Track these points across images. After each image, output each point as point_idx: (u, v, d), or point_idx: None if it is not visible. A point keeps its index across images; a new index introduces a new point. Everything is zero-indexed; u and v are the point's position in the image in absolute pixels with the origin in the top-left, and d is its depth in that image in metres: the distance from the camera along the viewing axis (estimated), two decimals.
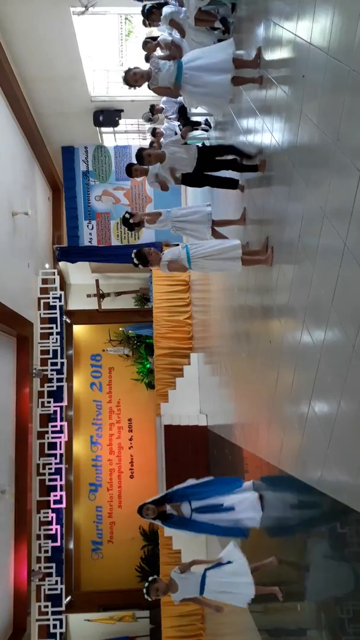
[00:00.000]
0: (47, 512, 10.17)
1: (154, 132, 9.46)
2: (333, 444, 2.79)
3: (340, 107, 2.41)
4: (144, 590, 4.60)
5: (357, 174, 2.21)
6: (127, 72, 4.95)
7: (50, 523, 10.16)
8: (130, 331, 13.60)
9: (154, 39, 6.48)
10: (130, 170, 5.50)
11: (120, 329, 13.76)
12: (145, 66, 5.14)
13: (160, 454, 10.02)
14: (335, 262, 2.56)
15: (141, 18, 6.70)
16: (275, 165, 3.91)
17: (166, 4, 6.17)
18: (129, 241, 12.06)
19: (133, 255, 4.79)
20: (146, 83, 4.97)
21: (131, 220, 5.31)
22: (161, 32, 6.74)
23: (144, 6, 6.51)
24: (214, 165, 5.16)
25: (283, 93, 3.56)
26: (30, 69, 9.08)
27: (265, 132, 4.16)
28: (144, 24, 6.82)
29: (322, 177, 2.76)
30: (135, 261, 4.78)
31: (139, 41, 8.79)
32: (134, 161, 5.51)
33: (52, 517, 10.18)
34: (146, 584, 4.62)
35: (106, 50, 11.83)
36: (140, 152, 5.22)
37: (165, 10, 5.94)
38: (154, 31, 7.48)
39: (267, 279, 4.19)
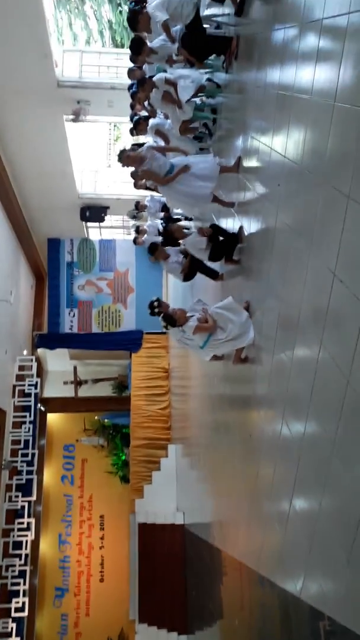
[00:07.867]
0: (7, 622, 9.25)
1: (137, 230, 9.94)
2: (315, 546, 2.67)
3: (313, 215, 2.59)
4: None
5: (331, 276, 2.32)
6: (123, 151, 5.12)
7: (9, 635, 9.21)
8: (106, 420, 13.30)
9: (140, 145, 6.99)
10: (154, 250, 5.84)
11: (96, 417, 13.45)
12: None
13: (133, 555, 9.41)
14: (313, 357, 2.61)
15: (129, 125, 7.25)
16: (253, 259, 4.09)
17: (153, 116, 6.73)
18: (109, 329, 12.18)
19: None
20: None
21: (156, 310, 5.02)
22: (147, 139, 7.29)
23: (132, 117, 7.10)
24: None
25: (260, 201, 3.81)
26: (21, 166, 9.61)
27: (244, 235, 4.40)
28: (132, 133, 7.38)
29: (296, 278, 2.88)
30: (163, 323, 4.57)
31: (126, 145, 9.47)
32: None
33: (12, 628, 9.25)
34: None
35: (95, 152, 12.67)
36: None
37: (152, 121, 6.47)
38: (140, 138, 8.10)
39: (246, 369, 4.21)
